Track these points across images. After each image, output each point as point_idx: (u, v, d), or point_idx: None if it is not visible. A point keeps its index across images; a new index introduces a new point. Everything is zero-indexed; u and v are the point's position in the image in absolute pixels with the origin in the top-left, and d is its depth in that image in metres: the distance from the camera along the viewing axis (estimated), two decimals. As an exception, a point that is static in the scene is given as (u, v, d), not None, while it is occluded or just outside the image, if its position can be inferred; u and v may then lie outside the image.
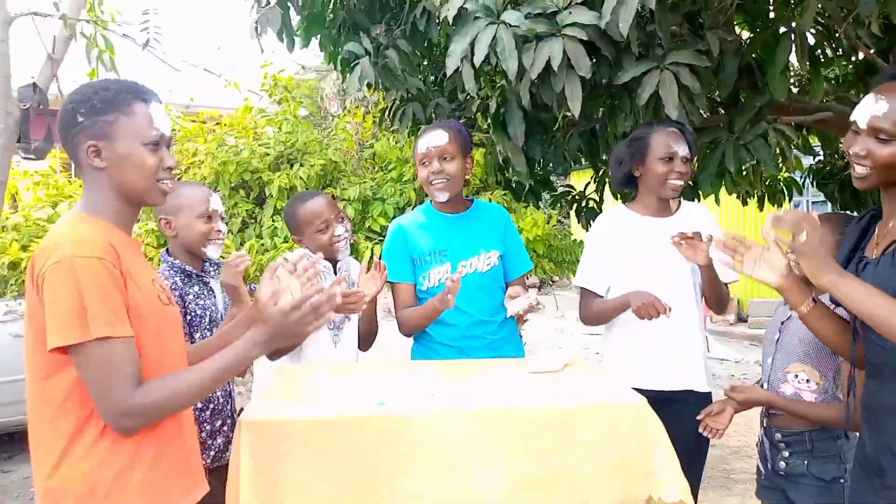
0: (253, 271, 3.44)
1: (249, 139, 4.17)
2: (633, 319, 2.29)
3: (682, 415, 2.06)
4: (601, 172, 4.22)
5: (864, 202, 4.49)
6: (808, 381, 1.98)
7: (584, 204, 4.41)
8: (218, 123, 4.53)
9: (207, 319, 2.14)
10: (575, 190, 4.53)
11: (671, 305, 2.16)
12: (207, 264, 2.21)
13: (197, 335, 2.08)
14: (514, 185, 4.16)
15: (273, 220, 3.54)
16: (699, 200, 3.08)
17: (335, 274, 2.45)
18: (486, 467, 1.53)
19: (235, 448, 1.55)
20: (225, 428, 2.14)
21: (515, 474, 1.53)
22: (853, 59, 3.39)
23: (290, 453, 1.54)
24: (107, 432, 1.28)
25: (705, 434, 2.13)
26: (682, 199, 2.42)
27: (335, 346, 2.39)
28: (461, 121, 3.71)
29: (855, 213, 4.76)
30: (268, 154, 4.00)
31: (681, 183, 2.29)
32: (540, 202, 4.37)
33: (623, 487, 1.56)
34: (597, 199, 4.42)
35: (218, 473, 1.71)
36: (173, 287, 2.05)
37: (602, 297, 2.39)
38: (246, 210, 3.87)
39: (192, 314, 2.09)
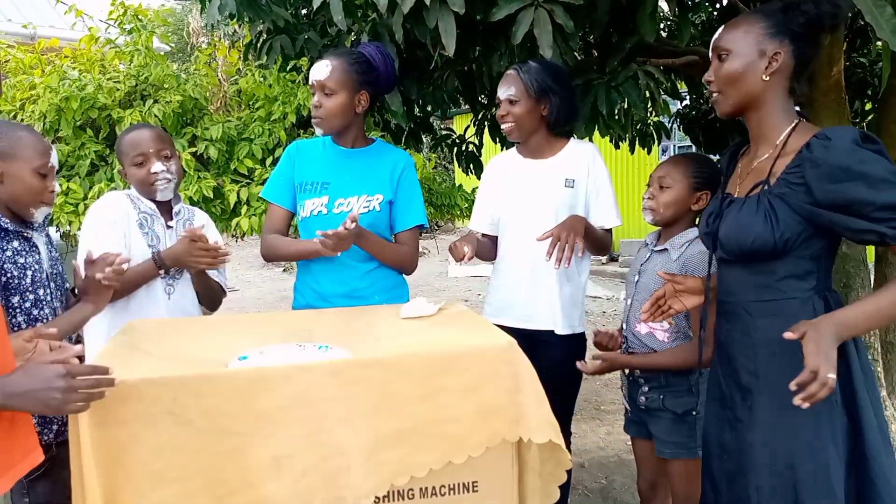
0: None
1: (95, 72, 3.76)
2: (503, 261, 2.37)
3: (546, 354, 2.09)
4: (480, 115, 4.17)
5: (727, 146, 4.74)
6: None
7: (464, 147, 4.38)
8: (58, 55, 4.05)
9: (29, 280, 1.85)
10: (455, 133, 4.49)
11: (528, 246, 2.23)
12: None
13: (15, 299, 1.81)
14: (393, 128, 4.05)
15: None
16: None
17: (171, 219, 2.26)
18: (349, 424, 1.46)
19: (72, 415, 1.39)
20: None
21: (379, 429, 1.47)
22: (717, 4, 3.48)
23: (135, 418, 1.38)
24: None
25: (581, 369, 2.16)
26: (570, 139, 2.43)
27: (168, 298, 2.19)
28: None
29: (716, 157, 5.04)
30: (118, 89, 3.63)
31: (506, 126, 2.32)
32: (421, 145, 4.28)
33: (491, 432, 1.53)
34: (476, 142, 4.40)
35: (64, 448, 1.50)
36: None
37: (492, 237, 2.48)
38: (95, 151, 3.51)
39: (9, 275, 1.80)
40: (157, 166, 2.17)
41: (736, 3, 2.83)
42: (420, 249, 2.16)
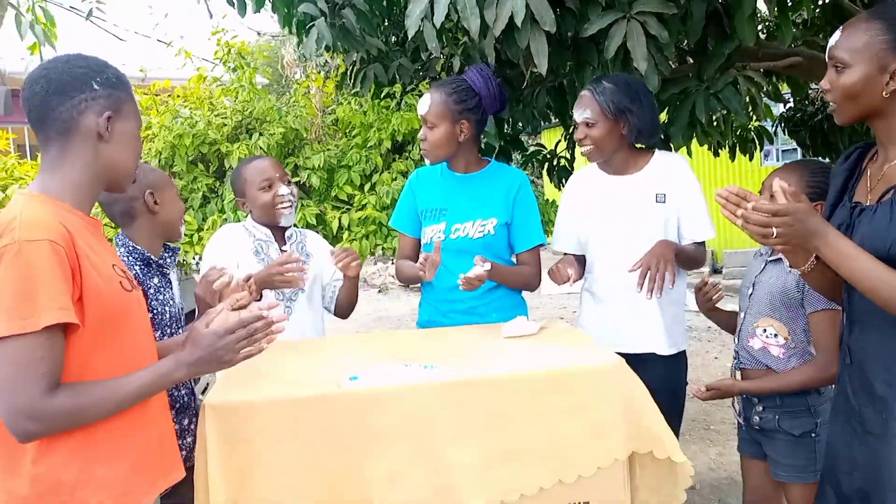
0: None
1: (205, 110, 4.02)
2: (597, 283, 2.32)
3: (648, 374, 2.00)
4: (571, 130, 4.14)
5: (836, 149, 4.50)
6: (776, 335, 1.96)
7: (555, 163, 4.35)
8: (170, 95, 4.35)
9: (168, 316, 1.98)
10: (546, 149, 4.47)
11: (624, 265, 2.15)
12: (165, 252, 2.06)
13: (156, 334, 1.92)
14: (483, 147, 4.08)
15: (235, 194, 3.41)
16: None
17: (285, 244, 2.38)
18: (460, 441, 1.48)
19: (201, 434, 1.47)
20: (193, 426, 1.97)
21: (489, 447, 1.49)
22: (821, 1, 3.33)
23: (259, 436, 1.47)
24: None
25: None
26: (655, 151, 2.37)
27: (287, 319, 2.30)
28: (425, 80, 3.63)
29: (825, 160, 4.79)
30: (225, 125, 3.86)
31: (586, 148, 2.26)
32: (511, 163, 4.29)
33: (603, 452, 1.52)
34: (568, 157, 4.36)
35: (189, 473, 1.57)
36: (135, 279, 1.91)
37: (577, 256, 2.40)
38: (206, 184, 3.75)
39: (154, 311, 1.93)
40: (283, 189, 2.31)
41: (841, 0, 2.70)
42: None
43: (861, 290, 1.41)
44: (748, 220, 1.39)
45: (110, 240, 3.52)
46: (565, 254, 2.44)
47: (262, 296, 2.16)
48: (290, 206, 2.33)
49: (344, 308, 2.48)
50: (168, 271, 2.06)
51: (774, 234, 1.38)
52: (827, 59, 1.49)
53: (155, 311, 1.94)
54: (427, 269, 2.12)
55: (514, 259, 2.42)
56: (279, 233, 2.38)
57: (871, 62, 1.41)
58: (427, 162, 2.36)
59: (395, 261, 2.52)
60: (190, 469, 1.51)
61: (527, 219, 2.35)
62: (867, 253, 1.39)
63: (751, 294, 2.04)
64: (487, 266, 2.10)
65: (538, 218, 2.38)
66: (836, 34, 1.47)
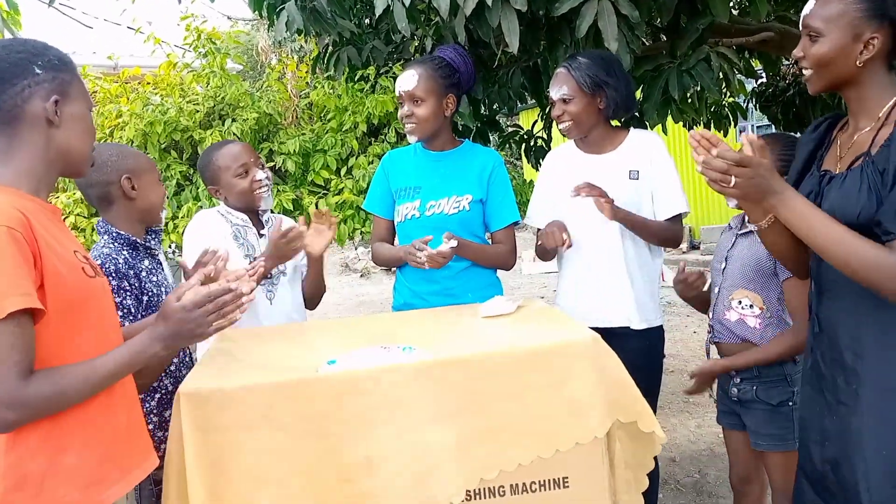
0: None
1: (176, 97, 3.95)
2: (571, 262, 2.32)
3: (623, 348, 1.92)
4: (547, 109, 4.13)
5: (808, 123, 4.53)
6: (751, 306, 1.99)
7: (532, 143, 4.35)
8: (141, 82, 4.28)
9: (164, 297, 1.92)
10: (523, 129, 4.46)
11: (598, 243, 2.19)
12: (149, 234, 2.01)
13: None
14: (460, 128, 4.07)
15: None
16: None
17: (262, 228, 2.35)
18: (439, 422, 1.48)
19: (175, 422, 1.45)
20: None
21: (468, 426, 1.49)
22: (792, -25, 3.33)
23: (235, 424, 1.45)
24: None
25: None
26: (630, 130, 2.37)
27: (270, 303, 2.28)
28: (398, 63, 3.59)
29: (797, 135, 4.82)
30: (197, 111, 3.80)
31: (564, 125, 2.27)
32: (488, 144, 4.28)
33: (582, 428, 1.53)
34: (545, 136, 4.36)
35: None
36: (125, 263, 1.85)
37: None
38: (180, 172, 3.70)
39: (150, 293, 1.88)
40: (259, 174, 2.28)
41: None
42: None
43: (817, 251, 1.40)
44: (709, 166, 1.37)
45: (82, 229, 3.45)
46: (540, 230, 2.45)
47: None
48: (267, 189, 2.32)
49: (308, 297, 2.44)
50: (157, 252, 2.02)
51: (732, 184, 1.36)
52: (801, 27, 1.48)
53: (151, 293, 1.89)
54: (439, 263, 2.13)
55: (488, 238, 2.42)
56: (256, 217, 2.36)
57: (845, 31, 1.41)
58: (413, 139, 2.34)
59: (370, 244, 2.51)
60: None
61: (501, 197, 2.36)
62: (823, 213, 1.39)
63: (724, 268, 2.07)
64: (453, 243, 2.11)
65: (512, 197, 2.40)
66: (811, 2, 1.47)
